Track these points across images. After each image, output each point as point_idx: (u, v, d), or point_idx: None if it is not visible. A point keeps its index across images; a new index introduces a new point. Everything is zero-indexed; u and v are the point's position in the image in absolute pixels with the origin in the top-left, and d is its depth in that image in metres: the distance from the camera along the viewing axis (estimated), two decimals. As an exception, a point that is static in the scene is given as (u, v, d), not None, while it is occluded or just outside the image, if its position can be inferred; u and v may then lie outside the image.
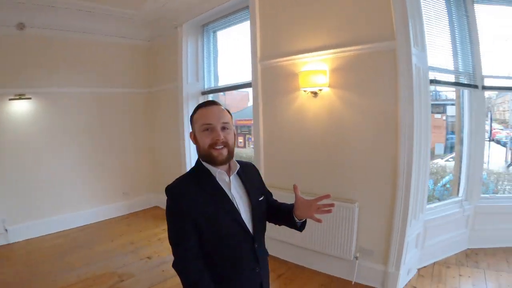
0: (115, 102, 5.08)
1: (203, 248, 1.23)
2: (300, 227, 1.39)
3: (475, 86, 3.54)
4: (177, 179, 1.32)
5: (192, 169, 1.36)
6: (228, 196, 1.28)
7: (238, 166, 1.33)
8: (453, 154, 3.94)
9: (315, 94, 3.13)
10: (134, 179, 5.37)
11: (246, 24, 4.05)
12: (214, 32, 4.75)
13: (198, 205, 1.22)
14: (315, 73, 3.03)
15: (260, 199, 1.39)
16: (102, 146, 4.95)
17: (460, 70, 3.43)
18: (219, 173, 1.29)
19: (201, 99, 4.85)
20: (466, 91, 3.58)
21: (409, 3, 2.63)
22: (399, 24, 2.63)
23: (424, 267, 3.29)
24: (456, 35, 3.40)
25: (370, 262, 2.99)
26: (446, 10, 3.33)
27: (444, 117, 4.16)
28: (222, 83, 4.78)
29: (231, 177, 1.32)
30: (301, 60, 3.22)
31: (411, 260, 3.07)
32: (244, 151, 6.38)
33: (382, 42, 2.73)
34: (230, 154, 1.29)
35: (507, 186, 3.96)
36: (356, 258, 3.02)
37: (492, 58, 3.56)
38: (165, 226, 3.92)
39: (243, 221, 1.28)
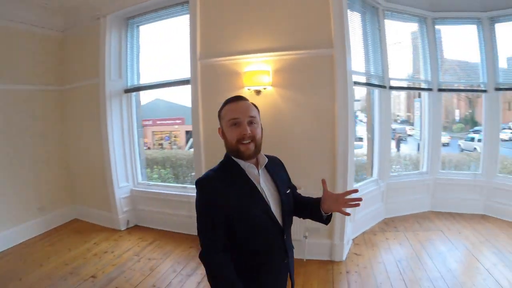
0: (21, 102, 4.31)
1: (234, 241, 1.24)
2: (326, 220, 1.41)
3: (384, 86, 4.40)
4: (207, 172, 1.33)
5: (222, 163, 1.36)
6: (258, 189, 1.30)
7: (266, 159, 1.36)
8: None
9: (258, 92, 3.38)
10: (49, 192, 4.68)
11: (178, 20, 4.03)
12: (138, 26, 4.50)
13: (230, 198, 1.23)
14: (260, 73, 3.29)
15: (287, 192, 1.41)
16: (7, 157, 4.14)
17: (372, 73, 4.18)
18: (249, 167, 1.30)
19: (124, 98, 4.57)
20: (376, 90, 4.40)
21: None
22: (338, 35, 3.15)
23: (356, 237, 3.98)
24: (369, 44, 4.13)
25: (318, 239, 3.45)
26: (361, 24, 4.03)
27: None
28: (148, 80, 4.55)
29: (259, 171, 1.33)
30: (245, 60, 3.42)
31: (348, 232, 3.65)
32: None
33: (322, 49, 3.21)
34: (258, 148, 1.30)
35: (397, 167, 5.24)
36: (305, 237, 3.42)
37: (395, 64, 4.53)
38: (95, 240, 4.01)
39: (273, 213, 1.29)
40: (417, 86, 5.02)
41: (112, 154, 4.38)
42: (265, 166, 1.37)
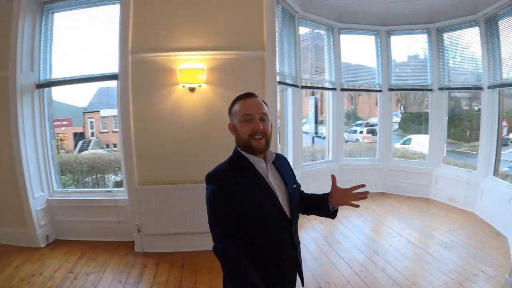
0: None
1: (244, 235, 1.26)
2: (333, 214, 1.47)
3: (297, 86, 4.99)
4: (217, 166, 1.37)
5: (231, 158, 1.40)
6: (267, 183, 1.34)
7: (274, 155, 1.41)
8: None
9: (192, 90, 3.49)
10: None
11: (103, 9, 3.81)
12: (55, 12, 4.01)
13: (241, 191, 1.27)
14: (195, 71, 3.41)
15: (294, 186, 1.47)
16: None
17: (286, 73, 4.68)
18: (258, 161, 1.35)
19: (36, 94, 4.01)
20: (290, 89, 4.94)
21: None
22: (269, 39, 3.50)
23: None
24: (285, 48, 4.63)
25: None
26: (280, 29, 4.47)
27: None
28: (64, 74, 4.11)
29: (267, 165, 1.38)
30: (180, 57, 3.46)
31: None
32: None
33: (254, 51, 3.50)
34: (268, 143, 1.35)
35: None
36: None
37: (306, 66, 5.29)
38: (16, 263, 3.55)
39: (281, 206, 1.33)
40: (323, 86, 5.81)
41: (24, 160, 3.75)
42: (272, 162, 1.41)
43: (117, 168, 5.12)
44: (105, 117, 11.19)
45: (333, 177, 1.43)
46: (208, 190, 1.31)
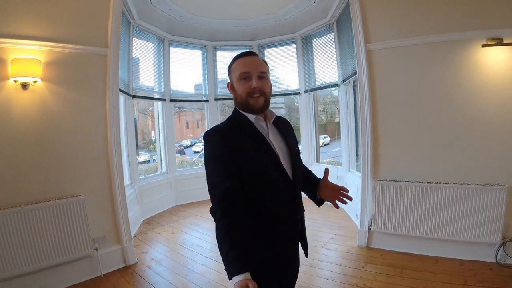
0: None
1: (246, 194, 1.21)
2: (319, 202, 1.50)
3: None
4: (215, 126, 1.33)
5: (229, 118, 1.37)
6: (268, 142, 1.32)
7: (275, 115, 1.40)
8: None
9: (25, 86, 2.83)
10: None
11: None
12: None
13: (242, 148, 1.24)
14: (31, 63, 2.80)
15: (296, 148, 1.44)
16: None
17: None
18: (257, 119, 1.32)
19: None
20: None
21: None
22: (114, 36, 3.25)
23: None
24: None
25: (108, 247, 3.26)
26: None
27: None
28: None
29: (268, 125, 1.36)
30: (12, 46, 2.75)
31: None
32: None
33: (97, 47, 3.18)
34: (267, 102, 1.33)
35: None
36: (96, 249, 3.12)
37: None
38: None
39: (283, 166, 1.31)
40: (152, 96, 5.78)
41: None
42: (273, 123, 1.40)
43: None
44: None
45: (326, 170, 1.45)
46: (208, 148, 1.28)
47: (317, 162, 5.96)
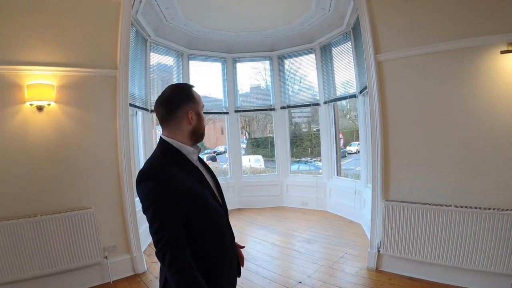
0: None
1: (189, 229, 1.21)
2: None
3: (147, 109, 5.03)
4: (151, 162, 1.29)
5: (161, 151, 1.31)
6: (203, 174, 1.35)
7: (200, 147, 1.43)
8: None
9: (40, 108, 3.12)
10: None
11: None
12: None
13: (183, 183, 1.22)
14: (45, 87, 3.07)
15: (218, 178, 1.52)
16: None
17: (136, 96, 4.63)
18: (193, 152, 1.34)
19: None
20: (140, 112, 4.90)
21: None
22: (123, 58, 3.48)
23: (145, 250, 4.25)
24: (136, 70, 4.62)
25: (118, 256, 3.48)
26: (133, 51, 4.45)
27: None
28: None
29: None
30: (28, 72, 3.04)
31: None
32: None
33: (107, 69, 3.42)
34: None
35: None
36: (106, 257, 3.36)
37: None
38: None
39: (218, 197, 1.38)
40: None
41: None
42: None
43: None
44: None
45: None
46: (146, 187, 1.20)
47: (337, 175, 5.85)
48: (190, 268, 1.13)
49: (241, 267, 1.54)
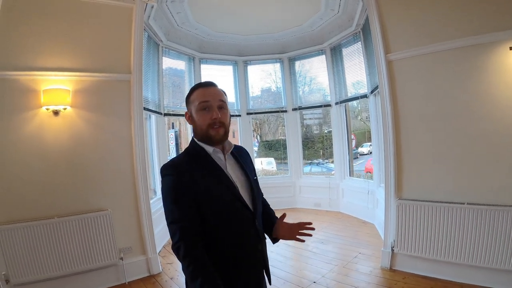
0: None
1: (205, 227, 1.23)
2: (274, 240, 1.51)
3: (160, 113, 5.14)
4: (173, 159, 1.34)
5: (187, 149, 1.38)
6: (226, 174, 1.33)
7: (233, 145, 1.41)
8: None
9: (56, 113, 3.24)
10: None
11: None
12: None
13: (201, 182, 1.24)
14: (61, 93, 3.20)
15: (255, 178, 1.47)
16: None
17: (149, 100, 4.74)
18: (214, 151, 1.33)
19: None
20: (153, 116, 5.01)
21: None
22: (136, 62, 3.60)
23: (160, 251, 4.33)
24: (149, 75, 4.73)
25: (133, 258, 3.58)
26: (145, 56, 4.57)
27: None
28: None
29: (226, 156, 1.37)
30: (44, 78, 3.18)
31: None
32: None
33: (121, 74, 3.54)
34: (226, 133, 1.35)
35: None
36: (121, 259, 3.46)
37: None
38: None
39: (242, 197, 1.32)
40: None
41: None
42: (231, 153, 1.42)
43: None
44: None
45: (284, 215, 1.48)
46: (166, 182, 1.26)
47: (350, 175, 5.88)
48: (203, 262, 1.16)
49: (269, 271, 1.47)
